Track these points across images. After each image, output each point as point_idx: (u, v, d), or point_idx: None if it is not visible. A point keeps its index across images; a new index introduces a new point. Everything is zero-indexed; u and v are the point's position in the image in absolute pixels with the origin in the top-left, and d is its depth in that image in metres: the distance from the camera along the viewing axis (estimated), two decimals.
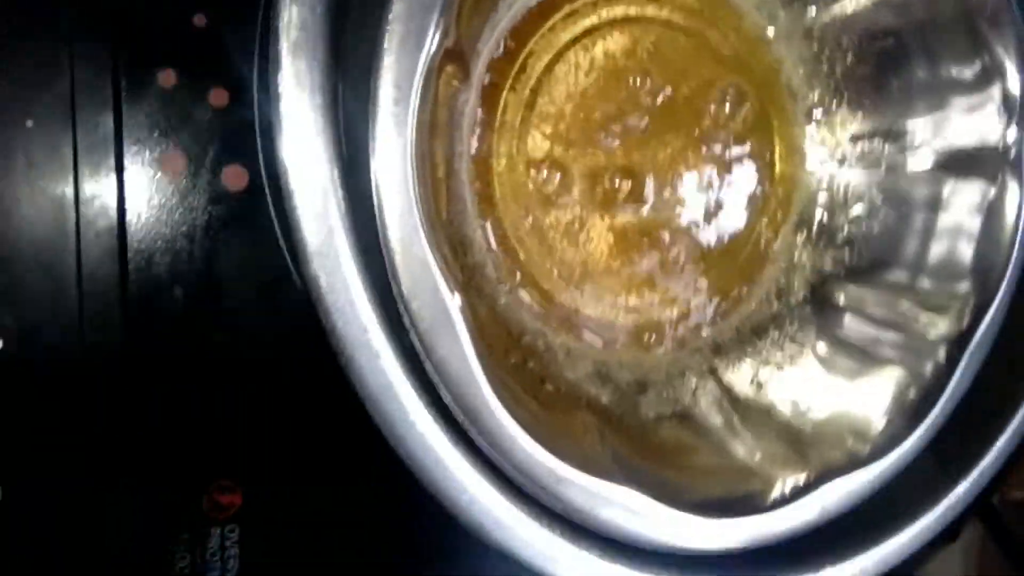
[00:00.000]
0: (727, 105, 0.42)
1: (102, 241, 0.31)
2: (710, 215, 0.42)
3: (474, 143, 0.36)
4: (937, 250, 0.39)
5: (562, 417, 0.33)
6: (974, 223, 0.38)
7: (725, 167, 0.42)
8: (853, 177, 0.43)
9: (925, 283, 0.39)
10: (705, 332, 0.42)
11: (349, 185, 0.27)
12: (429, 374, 0.27)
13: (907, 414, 0.33)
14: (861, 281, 0.41)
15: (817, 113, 0.43)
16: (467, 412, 0.27)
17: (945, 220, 0.39)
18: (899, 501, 0.35)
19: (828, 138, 0.43)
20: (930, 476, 0.35)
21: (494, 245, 0.37)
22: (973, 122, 0.38)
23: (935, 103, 0.39)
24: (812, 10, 0.41)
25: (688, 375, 0.41)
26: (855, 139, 0.43)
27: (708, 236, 0.42)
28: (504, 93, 0.37)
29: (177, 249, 0.32)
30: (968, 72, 0.37)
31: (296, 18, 0.27)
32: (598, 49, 0.39)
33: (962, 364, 0.35)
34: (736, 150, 0.42)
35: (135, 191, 0.31)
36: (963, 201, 0.39)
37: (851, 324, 0.41)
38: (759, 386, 0.39)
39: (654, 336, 0.41)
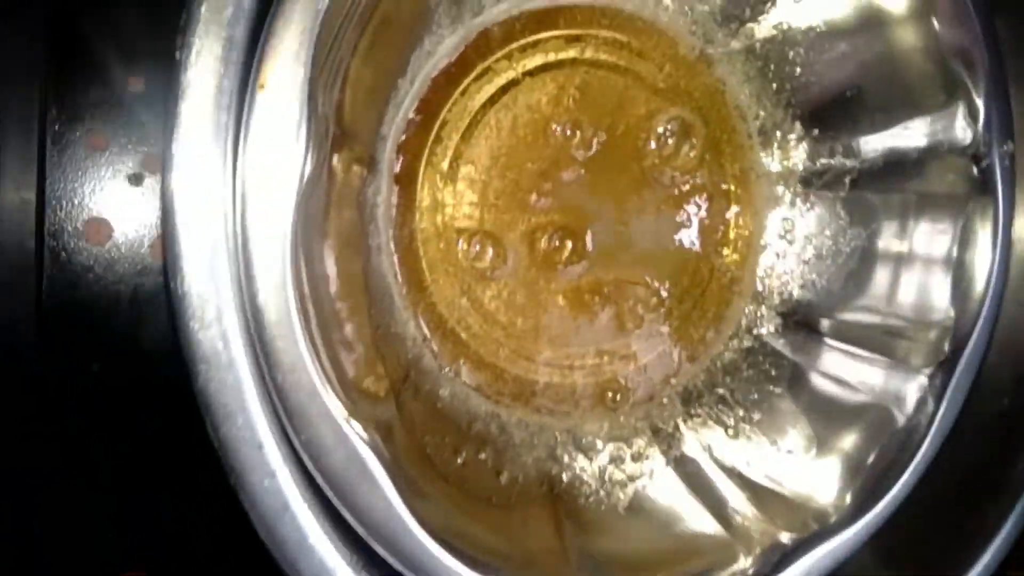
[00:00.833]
0: (671, 139, 0.39)
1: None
2: (666, 258, 0.40)
3: (392, 231, 0.33)
4: (908, 279, 0.36)
5: (519, 516, 0.32)
6: (944, 246, 0.35)
7: (677, 204, 0.39)
8: (815, 197, 0.40)
9: (899, 311, 0.37)
10: (673, 381, 0.40)
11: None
12: (350, 523, 0.25)
13: (875, 479, 0.31)
14: (832, 311, 0.39)
15: (770, 133, 0.40)
16: (397, 555, 0.26)
17: (915, 243, 0.36)
18: None
19: (784, 159, 0.40)
20: None
21: (428, 334, 0.34)
22: (934, 136, 0.35)
23: (893, 117, 0.36)
24: (751, 27, 0.38)
25: (656, 435, 0.38)
26: (813, 157, 0.40)
27: (666, 280, 0.40)
28: (421, 171, 0.35)
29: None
30: (931, 94, 0.34)
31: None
32: (520, 104, 0.36)
33: (940, 412, 0.33)
34: (687, 184, 0.39)
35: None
36: (932, 224, 0.36)
37: (825, 359, 0.38)
38: (729, 446, 0.37)
39: (618, 395, 0.39)
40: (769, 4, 0.37)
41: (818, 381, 0.38)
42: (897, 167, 0.37)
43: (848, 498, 0.33)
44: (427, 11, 0.32)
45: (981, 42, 0.33)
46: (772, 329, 0.40)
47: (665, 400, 0.39)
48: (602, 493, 0.36)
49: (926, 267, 0.36)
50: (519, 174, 0.36)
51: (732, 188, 0.40)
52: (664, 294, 0.39)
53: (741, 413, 0.39)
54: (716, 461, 0.37)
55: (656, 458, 0.38)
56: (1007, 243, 0.34)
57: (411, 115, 0.33)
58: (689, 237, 0.40)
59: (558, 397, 0.38)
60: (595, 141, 0.37)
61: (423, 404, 0.33)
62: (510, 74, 0.36)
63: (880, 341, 0.36)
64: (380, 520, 0.25)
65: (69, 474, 0.30)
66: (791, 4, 0.36)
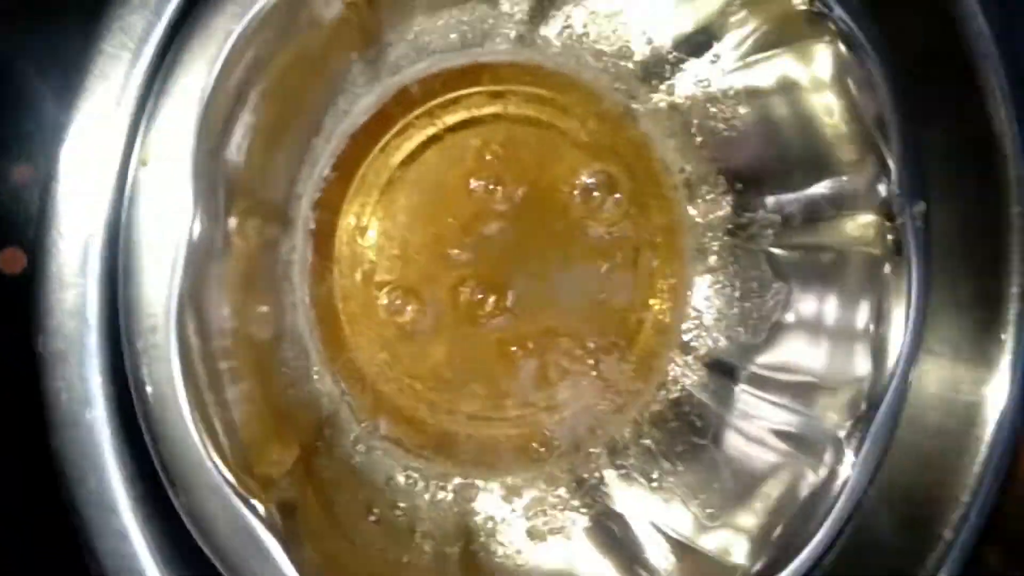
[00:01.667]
0: (596, 193, 0.39)
1: None
2: (591, 310, 0.40)
3: (309, 288, 0.33)
4: (827, 334, 0.37)
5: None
6: (861, 306, 0.36)
7: (602, 257, 0.40)
8: (740, 251, 0.40)
9: (817, 365, 0.37)
10: (599, 432, 0.40)
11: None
12: None
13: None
14: (755, 363, 0.39)
15: (695, 186, 0.40)
16: None
17: (834, 300, 0.37)
18: None
19: (710, 211, 0.41)
20: None
21: (346, 389, 0.34)
22: (849, 195, 0.36)
23: (810, 175, 0.37)
24: (672, 84, 0.38)
25: (580, 486, 0.38)
26: (737, 211, 0.40)
27: (592, 332, 0.40)
28: (339, 227, 0.35)
29: None
30: (846, 154, 0.35)
31: None
32: (441, 159, 0.37)
33: (855, 471, 0.33)
34: (612, 237, 0.40)
35: None
36: (850, 281, 0.36)
37: (747, 412, 0.38)
38: (651, 501, 0.37)
39: (543, 447, 0.39)
40: (688, 62, 0.37)
41: (740, 435, 0.38)
42: (816, 223, 0.37)
43: (762, 558, 0.33)
44: (338, 73, 0.32)
45: (891, 105, 0.34)
46: (698, 380, 0.40)
47: (591, 451, 0.39)
48: (520, 549, 0.36)
49: (844, 325, 0.36)
50: (440, 229, 0.36)
51: (658, 240, 0.40)
52: (590, 346, 0.40)
53: (666, 466, 0.39)
54: (639, 515, 0.37)
55: (579, 511, 0.38)
56: (921, 304, 0.34)
57: (327, 172, 0.33)
58: (615, 289, 0.40)
59: (481, 449, 0.38)
60: (518, 196, 0.37)
61: (337, 462, 0.33)
62: (431, 130, 0.36)
63: (799, 396, 0.37)
64: None
65: None
66: (708, 64, 0.37)
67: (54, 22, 0.30)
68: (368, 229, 0.35)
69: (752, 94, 0.37)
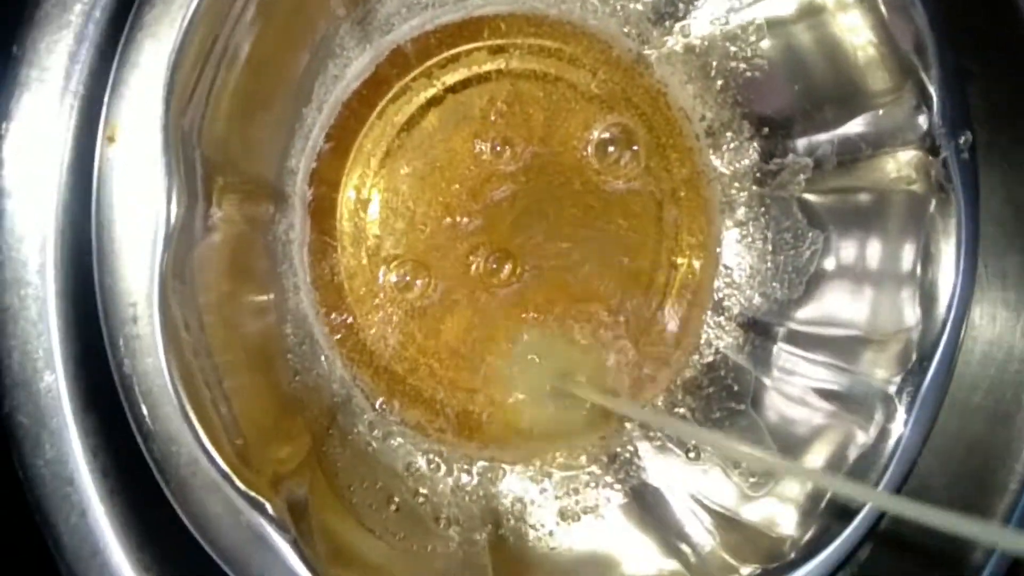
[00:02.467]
0: (611, 148, 0.37)
1: None
2: (616, 272, 0.37)
3: (310, 268, 0.31)
4: (870, 284, 0.34)
5: (455, 568, 0.30)
6: (906, 250, 0.33)
7: (623, 215, 0.37)
8: (770, 199, 0.38)
9: (861, 319, 0.34)
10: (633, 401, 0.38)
11: None
12: None
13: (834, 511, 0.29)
14: (793, 321, 0.36)
15: (718, 134, 0.38)
16: None
17: (876, 246, 0.34)
18: None
19: (735, 160, 0.38)
20: None
21: (357, 373, 0.32)
22: (887, 129, 0.33)
23: (843, 110, 0.34)
24: (687, 24, 0.36)
25: (613, 461, 0.36)
26: (765, 157, 0.37)
27: (618, 296, 0.37)
28: (339, 201, 0.33)
29: None
30: (881, 84, 0.32)
31: None
32: (443, 122, 0.34)
33: (908, 427, 0.30)
34: (633, 194, 0.37)
35: None
36: (892, 225, 0.33)
37: (787, 373, 0.36)
38: (690, 472, 0.35)
39: (575, 430, 0.36)
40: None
41: (781, 397, 0.36)
42: (852, 164, 0.35)
43: (811, 528, 0.31)
44: (326, 36, 0.30)
45: (929, 26, 0.31)
46: (732, 342, 0.38)
47: (623, 423, 0.37)
48: (552, 531, 0.34)
49: (888, 271, 0.34)
50: (447, 196, 0.34)
51: (682, 194, 0.38)
52: (617, 310, 0.37)
53: (697, 447, 0.37)
54: (676, 488, 0.35)
55: (613, 487, 0.36)
56: (972, 244, 0.31)
57: (321, 144, 0.31)
58: (638, 249, 0.38)
59: (505, 428, 0.36)
60: (528, 155, 0.35)
61: (351, 451, 0.31)
62: (430, 91, 0.34)
63: (843, 352, 0.34)
64: None
65: None
66: None
67: None
68: (370, 202, 0.33)
69: (774, 25, 0.34)
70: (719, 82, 0.37)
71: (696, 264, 0.38)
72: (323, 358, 0.32)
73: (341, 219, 0.33)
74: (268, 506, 0.23)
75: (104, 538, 0.23)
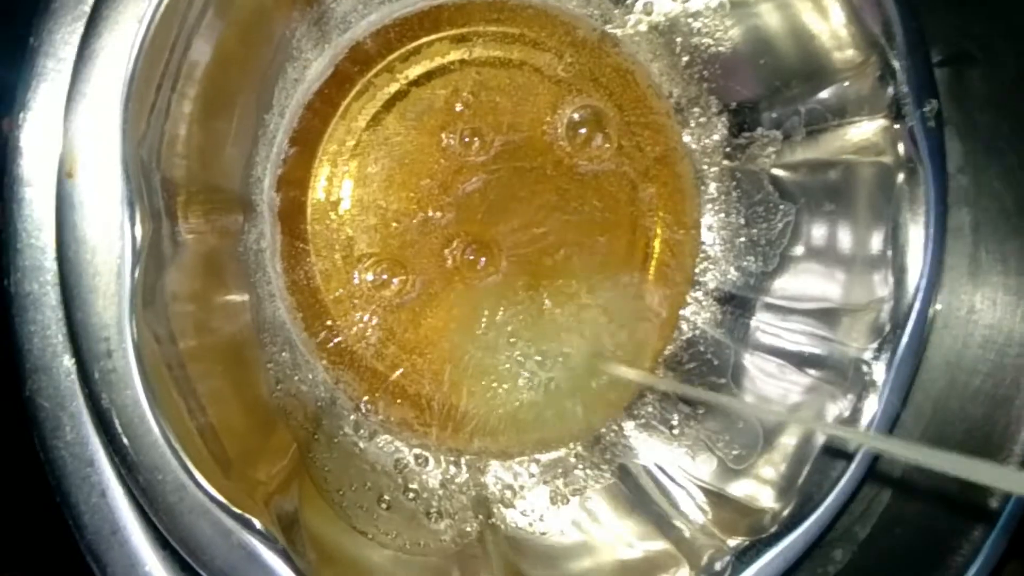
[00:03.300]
0: (582, 130, 0.36)
1: None
2: (593, 253, 0.37)
3: (284, 274, 0.31)
4: (843, 255, 0.34)
5: (448, 563, 0.30)
6: (876, 220, 0.33)
7: (596, 197, 0.37)
8: (741, 173, 0.38)
9: (835, 288, 0.35)
10: (615, 390, 0.38)
11: None
12: None
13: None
14: (769, 294, 0.37)
15: (687, 110, 0.37)
16: None
17: (847, 218, 0.34)
18: None
19: (705, 135, 0.38)
20: None
21: (340, 375, 0.33)
22: (853, 101, 0.33)
23: (809, 83, 0.34)
24: (648, 3, 0.35)
25: (597, 442, 0.37)
26: (734, 131, 0.37)
27: (597, 276, 0.38)
28: (308, 205, 0.32)
29: None
30: (845, 57, 0.32)
31: None
32: (409, 116, 0.34)
33: (884, 393, 0.31)
34: (606, 174, 0.37)
35: None
36: (862, 196, 0.33)
37: (765, 345, 0.36)
38: (673, 449, 0.35)
39: (556, 412, 0.37)
40: None
41: (759, 370, 0.36)
42: (820, 135, 0.35)
43: (792, 498, 0.31)
44: (283, 39, 0.29)
45: None
46: (711, 317, 0.38)
47: (609, 405, 0.38)
48: (543, 515, 0.34)
49: (860, 242, 0.34)
50: (418, 192, 0.34)
51: (653, 172, 0.38)
52: (597, 291, 0.37)
53: (686, 410, 0.37)
54: (662, 465, 0.36)
55: (600, 468, 0.36)
56: (940, 211, 0.32)
57: (286, 149, 0.31)
58: (616, 228, 0.38)
59: (491, 417, 0.36)
60: (498, 144, 0.35)
61: (338, 454, 0.31)
62: (393, 87, 0.33)
63: (818, 322, 0.35)
64: None
65: None
66: None
67: None
68: (340, 203, 0.33)
69: (737, 3, 0.33)
70: (685, 58, 0.36)
71: (674, 240, 0.38)
72: (304, 364, 0.32)
73: (312, 222, 0.32)
74: (256, 522, 0.24)
75: (123, 517, 0.24)
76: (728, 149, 0.37)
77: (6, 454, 0.26)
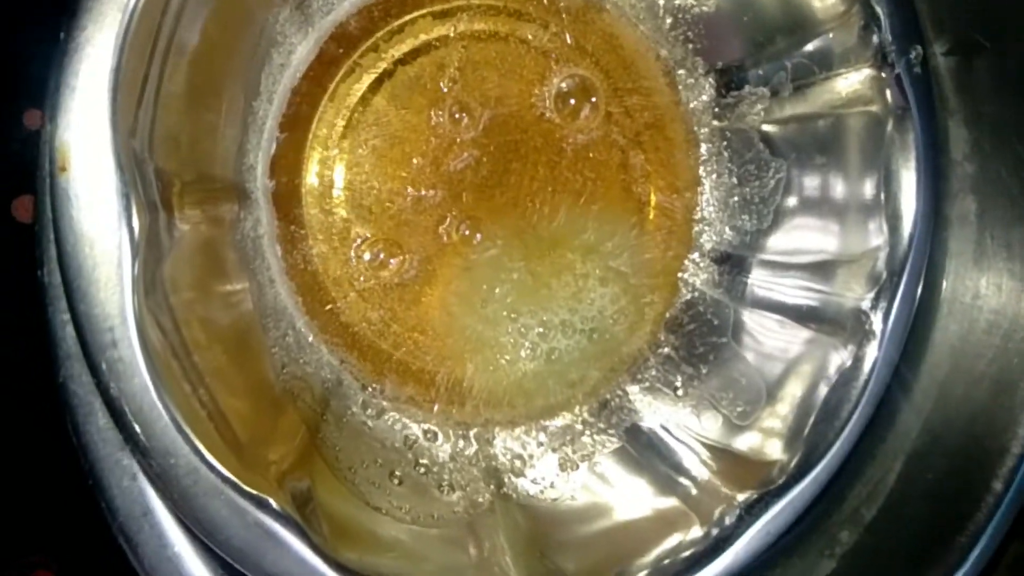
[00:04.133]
0: (571, 100, 0.36)
1: None
2: (589, 222, 0.38)
3: (282, 259, 0.32)
4: (836, 207, 0.34)
5: (463, 532, 0.31)
6: (868, 169, 0.33)
7: (589, 166, 0.37)
8: (731, 132, 0.38)
9: (831, 242, 0.35)
10: (623, 350, 0.38)
11: None
12: None
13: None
14: (765, 251, 0.37)
15: (673, 72, 0.38)
16: None
17: (838, 169, 0.34)
18: None
19: (693, 97, 0.38)
20: None
21: (345, 356, 0.33)
22: (839, 52, 0.33)
23: (794, 37, 0.34)
24: None
25: (604, 407, 0.37)
26: (721, 91, 0.37)
27: (594, 244, 0.38)
28: (303, 189, 0.33)
29: None
30: (828, 7, 0.32)
31: None
32: (397, 95, 0.34)
33: (885, 338, 0.31)
34: (597, 142, 0.37)
35: None
36: (853, 147, 0.34)
37: (765, 302, 0.37)
38: (679, 409, 0.36)
39: (560, 379, 0.37)
40: None
41: (760, 326, 0.36)
42: (808, 89, 0.35)
43: (799, 449, 0.32)
44: (266, 24, 0.29)
45: None
46: (708, 278, 0.39)
47: (611, 372, 0.38)
48: (553, 482, 0.35)
49: (853, 193, 0.34)
50: (410, 171, 0.34)
51: (644, 137, 0.38)
52: (593, 259, 0.38)
53: (689, 370, 0.38)
54: (668, 426, 0.36)
55: (607, 432, 0.37)
56: (930, 157, 0.32)
57: (277, 134, 0.31)
58: (609, 196, 0.38)
59: (496, 389, 0.36)
60: (487, 119, 0.35)
61: (348, 433, 0.32)
62: (380, 66, 0.33)
63: (815, 275, 0.35)
64: None
65: None
66: None
67: None
68: (333, 185, 0.33)
69: None
70: (668, 20, 0.37)
71: (668, 204, 0.38)
72: (308, 346, 0.32)
73: (307, 207, 0.33)
74: (272, 501, 0.24)
75: (153, 500, 0.24)
76: (717, 109, 0.37)
77: (41, 440, 0.26)
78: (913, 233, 0.32)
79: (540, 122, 0.36)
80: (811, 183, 0.36)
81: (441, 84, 0.34)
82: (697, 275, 0.39)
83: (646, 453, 0.35)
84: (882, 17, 0.31)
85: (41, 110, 0.31)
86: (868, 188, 0.33)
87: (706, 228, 0.38)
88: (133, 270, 0.22)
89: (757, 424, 0.35)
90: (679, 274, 0.39)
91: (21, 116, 0.31)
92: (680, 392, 0.37)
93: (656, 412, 0.37)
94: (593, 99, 0.36)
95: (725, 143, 0.38)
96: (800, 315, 0.35)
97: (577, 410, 0.37)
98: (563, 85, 0.36)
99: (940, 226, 0.33)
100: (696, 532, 0.31)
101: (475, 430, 0.35)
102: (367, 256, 0.34)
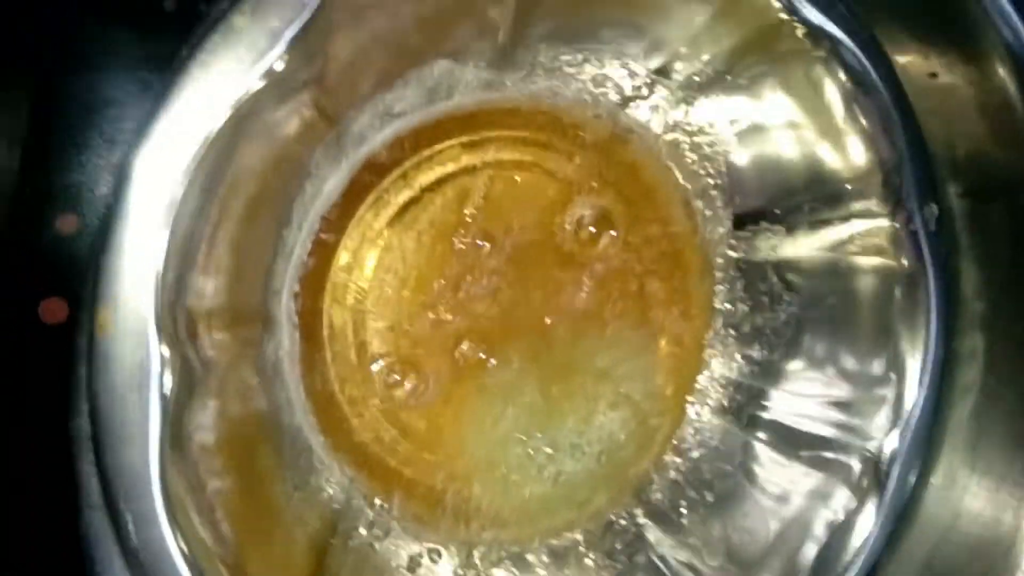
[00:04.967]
0: (591, 229, 0.37)
1: None
2: (607, 347, 0.38)
3: (300, 381, 0.32)
4: (845, 343, 0.35)
5: None
6: (877, 315, 0.34)
7: (607, 294, 0.38)
8: (745, 264, 0.38)
9: (840, 380, 0.35)
10: (630, 472, 0.39)
11: None
12: None
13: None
14: (778, 376, 0.37)
15: (692, 203, 0.38)
16: None
17: (845, 316, 0.35)
18: None
19: (712, 229, 0.39)
20: None
21: (355, 474, 0.33)
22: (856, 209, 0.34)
23: (816, 191, 0.35)
24: (656, 106, 0.36)
25: (609, 534, 0.37)
26: (739, 224, 0.38)
27: (611, 369, 0.38)
28: (324, 312, 0.33)
29: None
30: (849, 158, 0.33)
31: None
32: (422, 221, 0.35)
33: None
34: (614, 271, 0.38)
35: None
36: (862, 295, 0.34)
37: (773, 425, 0.37)
38: (674, 544, 0.36)
39: (566, 501, 0.37)
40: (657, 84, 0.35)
41: (767, 456, 0.37)
42: (823, 229, 0.36)
43: None
44: (302, 161, 0.30)
45: (892, 103, 0.32)
46: (717, 404, 0.39)
47: (616, 491, 0.38)
48: None
49: (861, 346, 0.35)
50: (430, 295, 0.35)
51: (662, 264, 0.39)
52: (605, 383, 0.38)
53: (693, 495, 0.38)
54: (669, 558, 0.36)
55: (611, 557, 0.37)
56: (942, 314, 0.32)
57: (304, 260, 0.32)
58: (623, 322, 0.38)
59: (505, 511, 0.37)
60: (509, 246, 0.36)
61: (356, 555, 0.32)
62: (408, 193, 0.34)
63: (826, 408, 0.35)
64: None
65: None
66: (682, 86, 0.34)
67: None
68: (354, 309, 0.34)
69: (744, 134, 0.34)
70: (690, 157, 0.37)
71: (681, 331, 0.39)
72: (320, 467, 0.33)
73: (328, 328, 0.33)
74: None
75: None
76: (733, 241, 0.38)
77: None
78: (911, 416, 0.32)
79: (560, 250, 0.37)
80: (821, 325, 0.36)
81: (465, 212, 0.35)
82: (706, 401, 0.39)
83: None
84: (902, 174, 0.32)
85: (76, 214, 0.32)
86: (876, 345, 0.34)
87: (716, 355, 0.39)
88: (162, 427, 0.22)
89: (764, 560, 0.35)
90: (688, 398, 0.39)
91: (54, 221, 0.32)
92: (685, 521, 0.38)
93: (660, 539, 0.37)
94: (613, 227, 0.37)
95: (739, 274, 0.38)
96: (806, 447, 0.35)
97: (581, 532, 0.37)
98: (584, 214, 0.37)
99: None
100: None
101: (480, 550, 0.36)
102: (383, 376, 0.34)
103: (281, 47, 0.23)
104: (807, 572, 0.31)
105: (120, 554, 0.23)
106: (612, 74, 0.35)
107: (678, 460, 0.39)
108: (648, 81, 0.35)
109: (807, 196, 0.34)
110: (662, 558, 0.36)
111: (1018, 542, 0.29)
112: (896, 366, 0.33)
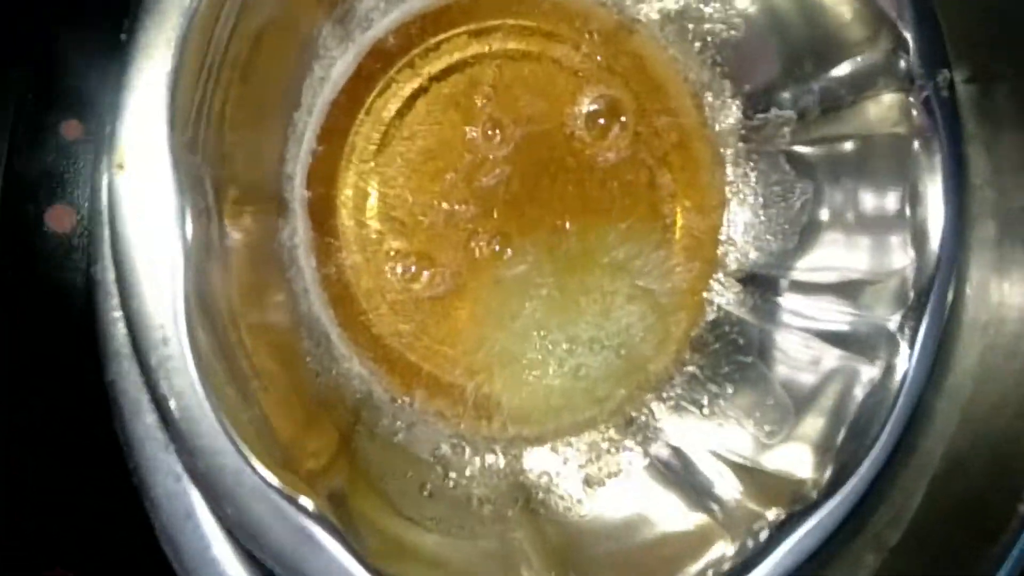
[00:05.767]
0: (600, 120, 0.37)
1: None
2: (617, 240, 0.38)
3: (316, 270, 0.32)
4: (862, 227, 0.35)
5: (497, 544, 0.30)
6: (894, 190, 0.34)
7: (617, 185, 0.38)
8: (757, 154, 0.38)
9: (856, 261, 0.35)
10: (649, 368, 0.38)
11: None
12: None
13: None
14: (790, 270, 0.37)
15: (701, 95, 0.38)
16: None
17: (865, 190, 0.35)
18: None
19: (720, 119, 0.38)
20: None
21: (375, 368, 0.33)
22: (866, 76, 0.34)
23: (822, 61, 0.35)
24: None
25: (630, 425, 0.37)
26: (748, 113, 0.38)
27: (621, 262, 0.38)
28: (338, 201, 0.33)
29: None
30: (855, 32, 0.32)
31: None
32: (431, 111, 0.34)
33: (912, 362, 0.31)
34: (625, 162, 0.38)
35: None
36: (880, 169, 0.34)
37: (790, 321, 0.37)
38: (706, 428, 0.36)
39: (587, 396, 0.37)
40: None
41: (786, 346, 0.37)
42: (835, 112, 0.35)
43: (829, 466, 0.32)
44: (309, 39, 0.30)
45: None
46: (734, 298, 0.39)
47: (637, 389, 0.38)
48: (581, 499, 0.35)
49: (880, 214, 0.34)
50: (443, 185, 0.34)
51: (672, 157, 0.38)
52: (621, 277, 0.38)
53: (714, 389, 0.38)
54: (695, 445, 0.36)
55: (634, 450, 0.37)
56: (956, 179, 0.32)
57: (315, 146, 0.31)
58: (636, 215, 0.38)
59: (524, 404, 0.37)
60: (519, 136, 0.35)
61: (379, 444, 0.32)
62: (415, 82, 0.34)
63: (842, 295, 0.35)
64: None
65: None
66: None
67: None
68: (367, 198, 0.34)
69: None
70: (697, 44, 0.37)
71: (695, 224, 0.39)
72: (340, 357, 0.32)
73: (341, 218, 0.33)
74: (310, 504, 0.24)
75: (196, 501, 0.24)
76: (743, 131, 0.38)
77: (85, 439, 0.26)
78: (940, 253, 0.32)
79: (570, 140, 0.36)
80: (838, 205, 0.36)
81: (474, 101, 0.35)
82: (723, 295, 0.39)
83: (674, 471, 0.35)
84: (910, 41, 0.32)
85: (80, 121, 0.31)
86: (894, 208, 0.34)
87: (732, 248, 0.39)
88: (185, 271, 0.22)
89: (785, 443, 0.35)
90: (705, 293, 0.39)
91: (59, 127, 0.31)
92: (707, 411, 0.37)
93: (683, 431, 0.37)
94: (622, 119, 0.37)
95: (751, 164, 0.38)
96: (827, 335, 0.35)
97: (603, 427, 0.37)
98: (593, 105, 0.37)
99: (961, 250, 0.33)
100: (728, 549, 0.31)
101: (502, 444, 0.35)
102: (399, 269, 0.34)
103: None
104: (844, 432, 0.31)
105: (149, 402, 0.22)
106: None
107: (697, 355, 0.39)
108: None
109: (814, 67, 0.34)
110: (688, 445, 0.36)
111: None
112: (916, 240, 0.33)
